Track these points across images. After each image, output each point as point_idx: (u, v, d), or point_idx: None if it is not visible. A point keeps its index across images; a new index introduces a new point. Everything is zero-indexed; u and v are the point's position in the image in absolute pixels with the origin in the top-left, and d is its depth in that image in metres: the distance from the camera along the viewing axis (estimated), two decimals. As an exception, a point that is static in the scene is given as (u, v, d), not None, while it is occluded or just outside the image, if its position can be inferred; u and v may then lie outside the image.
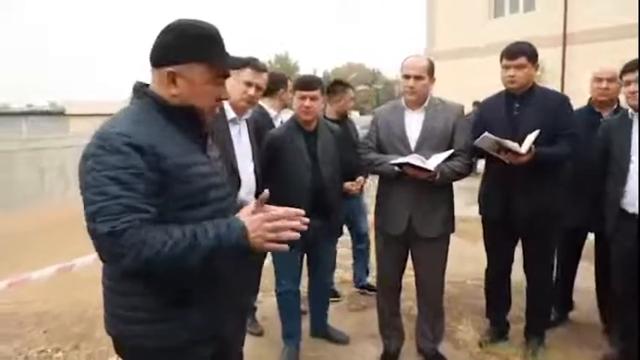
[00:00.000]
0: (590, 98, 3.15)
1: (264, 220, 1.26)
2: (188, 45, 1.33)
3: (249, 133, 2.61)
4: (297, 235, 1.29)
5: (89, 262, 3.42)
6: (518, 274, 3.01)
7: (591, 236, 3.21)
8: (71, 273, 4.30)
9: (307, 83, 2.76)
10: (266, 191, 1.34)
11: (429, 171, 2.48)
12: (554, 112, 2.68)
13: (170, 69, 1.32)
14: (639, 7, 7.77)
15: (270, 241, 1.26)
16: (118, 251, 1.16)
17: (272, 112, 3.29)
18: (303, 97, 2.72)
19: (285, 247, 1.28)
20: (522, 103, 2.73)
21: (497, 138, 2.54)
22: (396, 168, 2.55)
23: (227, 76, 1.43)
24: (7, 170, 9.63)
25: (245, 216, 1.29)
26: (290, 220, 1.29)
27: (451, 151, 2.58)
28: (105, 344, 3.09)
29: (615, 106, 3.09)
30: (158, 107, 1.35)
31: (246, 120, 2.61)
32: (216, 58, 1.36)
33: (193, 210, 1.32)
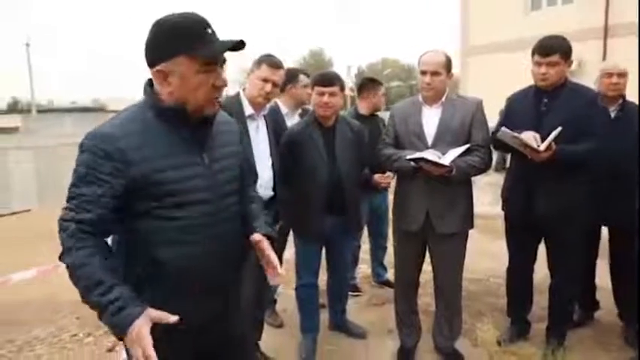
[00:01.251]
0: (598, 93, 3.06)
1: (145, 346, 1.19)
2: (168, 40, 1.34)
3: (267, 129, 2.66)
4: None
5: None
6: (541, 273, 2.95)
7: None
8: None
9: (326, 79, 2.79)
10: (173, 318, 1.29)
11: (445, 166, 2.47)
12: (582, 111, 2.61)
13: (159, 67, 1.35)
14: (639, 8, 7.50)
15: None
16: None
17: (284, 110, 3.29)
18: (322, 93, 2.74)
19: None
20: (551, 100, 2.67)
21: (515, 133, 2.50)
22: (412, 163, 2.55)
23: (216, 62, 1.39)
24: (50, 165, 10.06)
25: (143, 321, 1.24)
26: None
27: (467, 145, 2.56)
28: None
29: (621, 101, 3.02)
30: (151, 107, 1.40)
31: (265, 116, 2.66)
32: (198, 46, 1.33)
33: (176, 208, 1.38)
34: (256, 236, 1.57)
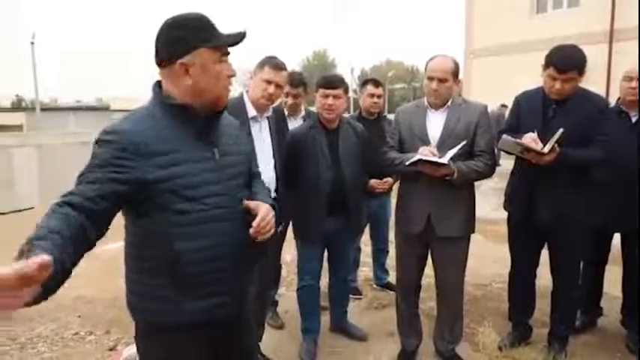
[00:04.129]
0: (619, 98, 3.05)
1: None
2: (188, 34, 1.42)
3: (270, 130, 2.67)
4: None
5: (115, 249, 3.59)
6: (545, 279, 2.94)
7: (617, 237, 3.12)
8: (104, 262, 4.51)
9: (330, 82, 2.79)
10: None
11: (444, 164, 2.45)
12: (592, 118, 2.59)
13: (182, 61, 1.41)
14: (639, 8, 7.48)
15: None
16: None
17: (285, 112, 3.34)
18: (326, 96, 2.75)
19: None
20: (559, 105, 2.64)
21: (517, 140, 2.50)
22: (412, 168, 2.55)
23: (228, 53, 1.51)
24: (54, 162, 10.09)
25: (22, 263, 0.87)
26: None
27: (464, 142, 2.54)
28: (130, 331, 3.23)
29: None
30: (161, 105, 1.45)
31: (268, 118, 2.67)
32: (216, 38, 1.46)
33: (190, 202, 1.41)
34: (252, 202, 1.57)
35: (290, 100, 3.25)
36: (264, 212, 1.51)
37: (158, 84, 1.50)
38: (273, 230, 1.56)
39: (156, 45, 1.45)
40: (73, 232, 1.18)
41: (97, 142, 1.38)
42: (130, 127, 1.38)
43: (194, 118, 1.46)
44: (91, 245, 1.27)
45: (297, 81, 3.20)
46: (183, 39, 1.42)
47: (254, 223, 1.48)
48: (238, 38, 1.49)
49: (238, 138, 1.66)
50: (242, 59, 2.61)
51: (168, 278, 1.43)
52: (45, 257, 0.87)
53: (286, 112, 3.32)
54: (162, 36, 1.44)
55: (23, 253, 1.03)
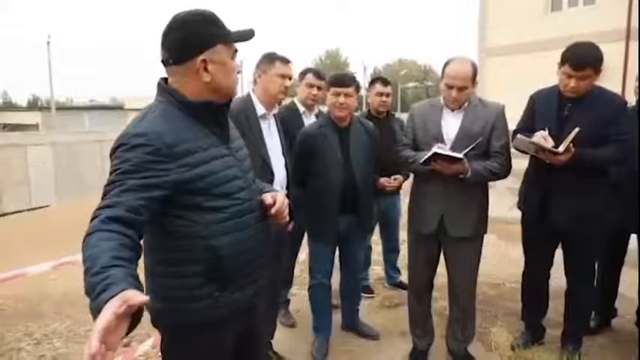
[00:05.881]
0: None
1: (101, 331, 0.90)
2: (209, 30, 1.43)
3: (278, 128, 2.68)
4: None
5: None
6: (559, 279, 2.91)
7: (633, 238, 3.08)
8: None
9: (341, 80, 2.80)
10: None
11: (459, 158, 2.43)
12: (607, 117, 2.54)
13: (202, 57, 1.41)
14: (639, 8, 7.36)
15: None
16: None
17: (301, 109, 3.35)
18: (337, 94, 2.76)
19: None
20: (575, 104, 2.59)
21: (531, 139, 2.47)
22: (427, 167, 2.53)
23: (237, 49, 1.53)
24: (69, 161, 10.22)
25: (118, 302, 0.94)
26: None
27: (480, 139, 2.52)
28: (145, 327, 3.26)
29: None
30: (178, 104, 1.43)
31: (275, 115, 2.69)
32: (229, 34, 1.48)
33: (220, 199, 1.43)
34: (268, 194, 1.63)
35: (315, 91, 3.29)
36: (282, 198, 1.59)
37: (164, 81, 1.47)
38: (288, 218, 1.63)
39: (167, 42, 1.42)
40: (132, 255, 1.16)
41: (122, 146, 1.31)
42: (155, 128, 1.34)
43: (212, 115, 1.47)
44: (139, 255, 1.23)
45: (321, 74, 3.34)
46: (203, 35, 1.41)
47: (275, 206, 1.55)
48: (250, 35, 1.52)
49: (237, 133, 1.66)
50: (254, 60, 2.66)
51: (205, 276, 1.43)
52: (142, 299, 0.96)
53: (302, 109, 3.33)
54: (176, 32, 1.41)
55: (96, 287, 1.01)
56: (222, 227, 1.43)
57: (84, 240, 1.17)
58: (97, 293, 1.00)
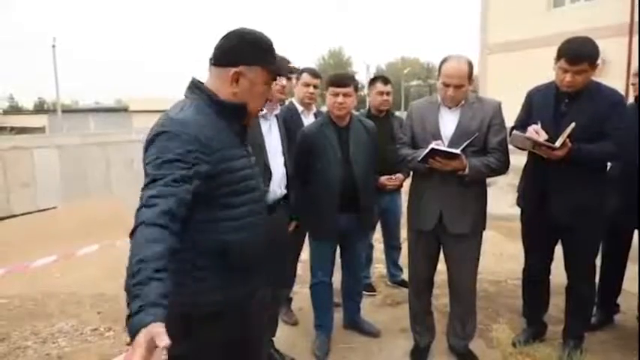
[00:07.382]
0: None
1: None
2: (256, 51, 1.54)
3: (279, 128, 2.71)
4: None
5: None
6: (560, 276, 2.92)
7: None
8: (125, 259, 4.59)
9: (340, 80, 2.81)
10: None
11: (457, 154, 2.45)
12: (605, 112, 2.54)
13: (237, 70, 1.50)
14: (639, 7, 7.31)
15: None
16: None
17: (299, 108, 3.40)
18: (336, 94, 2.78)
19: None
20: (572, 99, 2.60)
21: (527, 135, 2.48)
22: (425, 165, 2.55)
23: (275, 79, 1.65)
24: (75, 163, 10.30)
25: (155, 328, 1.08)
26: None
27: (476, 134, 2.54)
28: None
29: None
30: (211, 103, 1.51)
31: (276, 116, 2.71)
32: (274, 64, 1.58)
33: (236, 196, 1.51)
34: None
35: (311, 90, 3.35)
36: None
37: (199, 82, 1.56)
38: None
39: (219, 44, 1.53)
40: (171, 257, 1.19)
41: (163, 134, 1.35)
42: (197, 119, 1.42)
43: (240, 118, 1.57)
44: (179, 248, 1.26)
45: (317, 73, 3.43)
46: (247, 51, 1.52)
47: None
48: (290, 70, 1.69)
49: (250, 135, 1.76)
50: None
51: (215, 269, 1.50)
52: (162, 344, 1.04)
53: (300, 109, 3.36)
54: (230, 40, 1.53)
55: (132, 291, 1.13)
56: (234, 224, 1.51)
57: (135, 229, 1.19)
58: (132, 310, 1.10)
